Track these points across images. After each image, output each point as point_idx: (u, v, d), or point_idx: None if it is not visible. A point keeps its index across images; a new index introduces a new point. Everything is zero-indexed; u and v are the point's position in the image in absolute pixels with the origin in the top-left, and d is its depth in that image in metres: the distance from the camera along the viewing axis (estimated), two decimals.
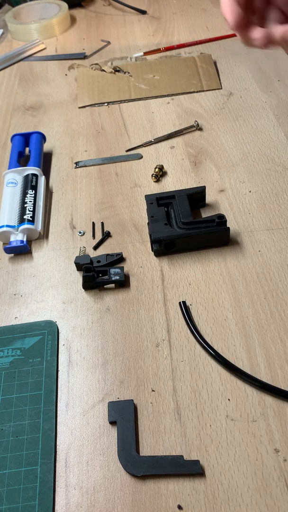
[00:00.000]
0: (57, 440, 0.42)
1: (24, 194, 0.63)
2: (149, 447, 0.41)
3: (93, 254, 0.57)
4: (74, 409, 0.44)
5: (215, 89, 0.81)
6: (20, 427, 0.43)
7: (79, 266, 0.55)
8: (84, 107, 0.82)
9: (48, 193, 0.66)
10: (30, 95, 0.86)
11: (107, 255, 0.55)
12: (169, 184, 0.65)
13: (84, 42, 1.00)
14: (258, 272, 0.53)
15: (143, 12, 1.07)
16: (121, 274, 0.53)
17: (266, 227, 0.57)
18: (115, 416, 0.43)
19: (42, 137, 0.73)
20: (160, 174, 0.66)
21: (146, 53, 0.92)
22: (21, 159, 0.70)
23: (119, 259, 0.55)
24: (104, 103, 0.82)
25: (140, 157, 0.70)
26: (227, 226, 0.55)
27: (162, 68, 0.87)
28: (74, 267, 0.56)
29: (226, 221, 0.54)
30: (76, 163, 0.70)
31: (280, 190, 0.61)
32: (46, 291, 0.54)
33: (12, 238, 0.58)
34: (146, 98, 0.81)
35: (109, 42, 0.98)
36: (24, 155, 0.71)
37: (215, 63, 0.87)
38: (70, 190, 0.66)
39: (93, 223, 0.61)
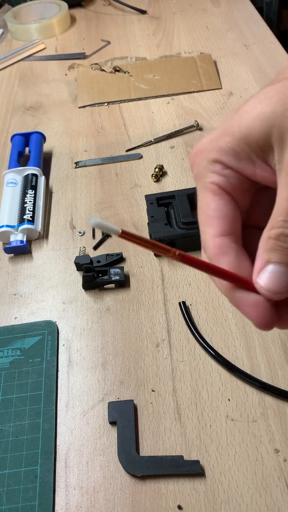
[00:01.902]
0: (57, 440, 0.42)
1: (24, 194, 0.63)
2: (149, 447, 0.41)
3: (93, 254, 0.57)
4: (74, 409, 0.44)
5: (215, 89, 0.81)
6: (20, 427, 0.43)
7: (79, 266, 0.55)
8: (84, 107, 0.81)
9: (48, 193, 0.66)
10: (30, 95, 0.86)
11: (107, 255, 0.55)
12: (169, 184, 0.65)
13: (84, 42, 1.00)
14: None
15: (143, 12, 1.07)
16: (121, 274, 0.53)
17: None
18: (115, 416, 0.43)
19: (42, 137, 0.73)
20: (160, 174, 0.66)
21: None
22: (21, 159, 0.70)
23: (119, 259, 0.55)
24: (104, 103, 0.82)
25: (140, 157, 0.70)
26: None
27: (162, 68, 0.87)
28: (74, 267, 0.56)
29: None
30: (76, 163, 0.70)
31: None
32: (46, 291, 0.54)
33: (12, 238, 0.58)
34: (146, 98, 0.81)
35: (109, 42, 0.98)
36: (24, 155, 0.71)
37: (215, 63, 0.87)
38: (70, 190, 0.66)
39: None
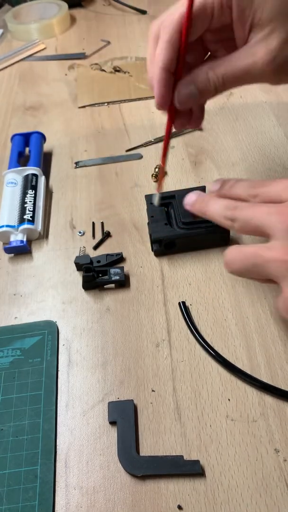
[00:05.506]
0: (57, 440, 0.42)
1: (24, 194, 0.63)
2: (149, 447, 0.41)
3: (93, 254, 0.57)
4: (74, 409, 0.44)
5: None
6: (20, 427, 0.43)
7: (79, 266, 0.55)
8: (84, 107, 0.81)
9: (48, 193, 0.66)
10: (30, 95, 0.86)
11: (107, 255, 0.55)
12: (169, 184, 0.65)
13: (84, 42, 1.00)
14: None
15: (143, 12, 1.07)
16: (121, 274, 0.53)
17: None
18: (115, 416, 0.43)
19: (42, 137, 0.73)
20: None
21: None
22: (21, 159, 0.70)
23: (119, 259, 0.55)
24: (104, 103, 0.82)
25: (140, 157, 0.70)
26: None
27: None
28: (74, 267, 0.56)
29: None
30: (76, 163, 0.70)
31: None
32: (46, 291, 0.54)
33: (12, 238, 0.58)
34: (146, 98, 0.81)
35: (109, 42, 0.98)
36: (24, 155, 0.71)
37: None
38: (70, 190, 0.66)
39: (93, 223, 0.61)
